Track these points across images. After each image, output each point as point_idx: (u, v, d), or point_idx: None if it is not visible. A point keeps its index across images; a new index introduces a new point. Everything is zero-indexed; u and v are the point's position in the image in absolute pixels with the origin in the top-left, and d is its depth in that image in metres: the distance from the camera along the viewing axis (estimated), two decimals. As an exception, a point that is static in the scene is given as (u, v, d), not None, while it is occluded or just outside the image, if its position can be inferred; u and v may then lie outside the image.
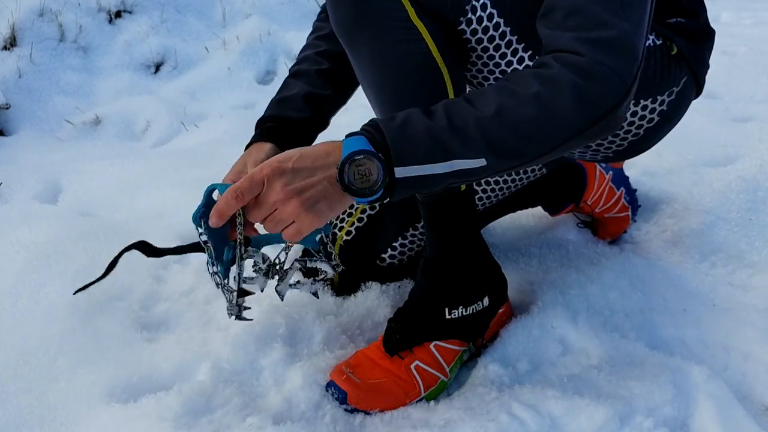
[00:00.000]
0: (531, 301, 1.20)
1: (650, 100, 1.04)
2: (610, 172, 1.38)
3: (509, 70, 0.96)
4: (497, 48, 0.94)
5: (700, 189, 1.52)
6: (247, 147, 1.11)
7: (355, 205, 1.21)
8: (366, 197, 0.79)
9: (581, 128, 0.78)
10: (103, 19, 2.68)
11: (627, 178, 1.44)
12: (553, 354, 1.11)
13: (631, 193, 1.44)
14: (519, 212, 1.41)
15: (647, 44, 1.00)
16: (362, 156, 0.77)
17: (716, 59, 2.41)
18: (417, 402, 1.01)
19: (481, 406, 0.99)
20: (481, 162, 0.79)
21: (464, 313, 1.03)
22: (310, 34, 1.25)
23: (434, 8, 0.91)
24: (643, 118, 1.05)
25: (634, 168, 1.66)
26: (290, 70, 1.24)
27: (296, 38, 2.86)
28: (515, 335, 1.13)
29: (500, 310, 1.12)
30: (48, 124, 2.30)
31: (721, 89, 2.23)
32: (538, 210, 1.42)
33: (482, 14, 0.91)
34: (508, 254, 1.36)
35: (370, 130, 0.80)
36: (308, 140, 1.15)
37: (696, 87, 1.11)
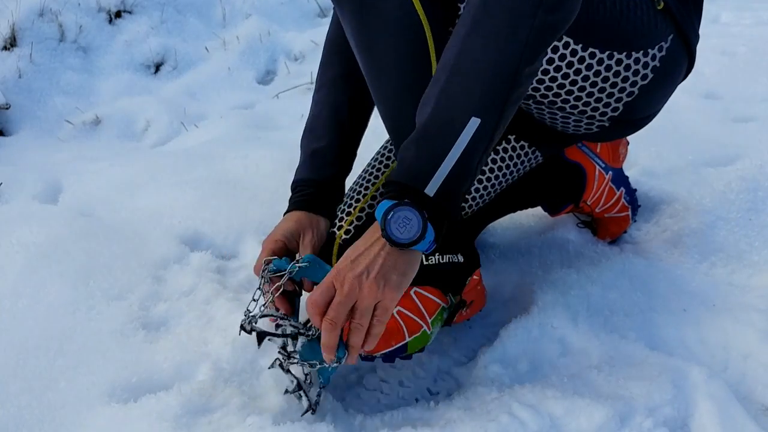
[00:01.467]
0: (531, 301, 1.20)
1: (641, 53, 1.03)
2: (610, 172, 1.38)
3: None
4: None
5: (700, 189, 1.52)
6: (285, 213, 1.11)
7: (354, 204, 1.21)
8: (423, 240, 0.82)
9: (525, 32, 0.79)
10: (103, 19, 2.68)
11: (627, 178, 1.44)
12: (553, 354, 1.11)
13: (631, 193, 1.44)
14: (519, 212, 1.41)
15: None
16: (391, 212, 0.81)
17: (716, 59, 2.43)
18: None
19: (481, 406, 0.99)
20: (474, 123, 0.80)
21: (441, 260, 1.03)
22: (325, 42, 1.21)
23: None
24: (636, 73, 1.05)
25: (634, 168, 1.66)
26: (315, 98, 1.18)
27: (296, 38, 2.86)
28: (515, 335, 1.13)
29: (474, 277, 1.12)
30: (48, 124, 2.30)
31: (721, 89, 2.23)
32: (538, 210, 1.42)
33: None
34: (508, 254, 1.36)
35: (384, 190, 0.85)
36: (341, 189, 1.17)
37: (687, 54, 1.10)
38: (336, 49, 1.17)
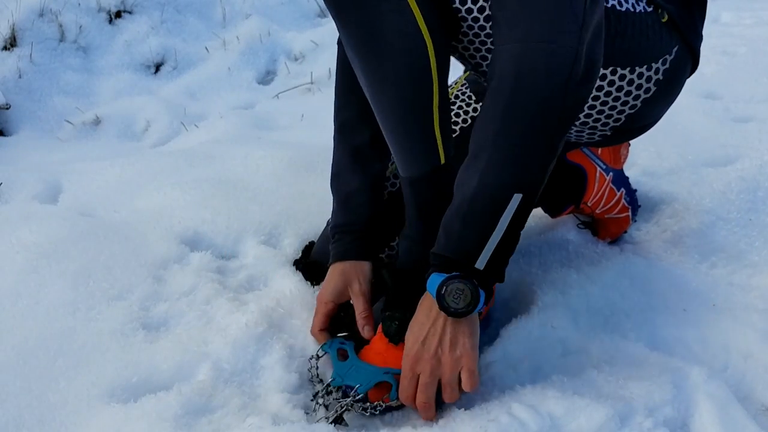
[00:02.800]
0: (531, 301, 1.20)
1: (645, 67, 1.04)
2: (611, 174, 1.38)
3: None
4: (488, 19, 0.93)
5: (700, 189, 1.52)
6: (334, 262, 1.11)
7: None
8: (478, 304, 0.88)
9: (558, 106, 0.84)
10: (103, 19, 2.68)
11: (627, 178, 1.44)
12: (553, 354, 1.11)
13: (631, 193, 1.44)
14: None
15: (638, 11, 1.01)
16: (444, 287, 0.87)
17: (716, 59, 2.43)
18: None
19: (481, 406, 0.99)
20: (517, 199, 0.85)
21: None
22: (337, 78, 1.19)
23: None
24: (639, 87, 1.05)
25: (634, 168, 1.66)
26: (337, 139, 1.19)
27: (296, 38, 2.86)
28: (515, 335, 1.13)
29: None
30: (48, 124, 2.30)
31: (721, 89, 2.23)
32: (539, 210, 1.42)
33: None
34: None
35: (435, 263, 0.89)
36: (379, 229, 1.16)
37: (691, 58, 1.11)
38: (348, 88, 1.14)
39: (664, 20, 1.05)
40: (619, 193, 1.39)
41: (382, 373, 0.98)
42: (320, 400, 0.98)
